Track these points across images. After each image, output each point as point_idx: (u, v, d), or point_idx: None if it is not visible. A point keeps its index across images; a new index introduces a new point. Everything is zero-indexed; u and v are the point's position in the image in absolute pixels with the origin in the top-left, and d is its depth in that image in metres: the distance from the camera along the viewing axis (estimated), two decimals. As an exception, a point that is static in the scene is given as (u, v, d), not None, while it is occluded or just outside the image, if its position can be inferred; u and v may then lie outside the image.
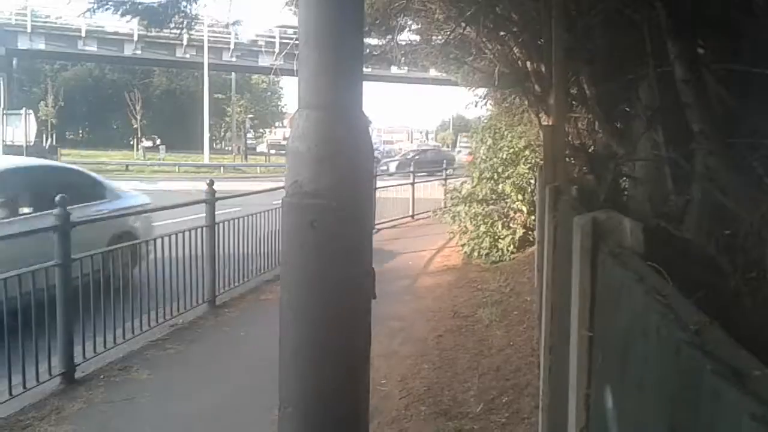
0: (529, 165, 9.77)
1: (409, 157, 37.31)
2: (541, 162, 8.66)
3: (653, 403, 0.86)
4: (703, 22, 2.54)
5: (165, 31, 8.99)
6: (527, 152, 9.90)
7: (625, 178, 5.01)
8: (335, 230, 1.68)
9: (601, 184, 4.13)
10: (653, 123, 2.99)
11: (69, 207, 4.86)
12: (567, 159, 5.30)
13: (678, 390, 0.75)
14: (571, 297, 1.73)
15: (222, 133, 63.02)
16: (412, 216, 14.61)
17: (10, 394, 4.25)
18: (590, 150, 5.80)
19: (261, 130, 67.64)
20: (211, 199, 6.80)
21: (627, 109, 5.65)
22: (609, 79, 4.38)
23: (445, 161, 20.45)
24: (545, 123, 8.71)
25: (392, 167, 31.61)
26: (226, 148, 57.87)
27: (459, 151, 46.37)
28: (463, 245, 9.93)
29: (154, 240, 6.30)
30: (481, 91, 12.04)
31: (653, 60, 2.84)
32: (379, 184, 12.96)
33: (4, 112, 21.76)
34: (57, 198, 4.83)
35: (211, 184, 6.95)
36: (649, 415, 0.87)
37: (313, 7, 1.72)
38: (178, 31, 8.66)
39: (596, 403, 1.29)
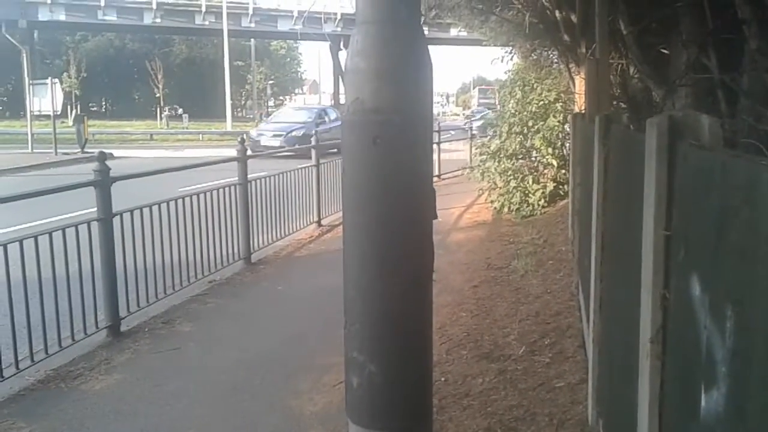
0: (558, 118, 9.61)
1: None
2: (572, 113, 8.52)
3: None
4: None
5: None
6: (557, 105, 9.72)
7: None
8: (397, 146, 1.67)
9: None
10: (705, 48, 2.89)
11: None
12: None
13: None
14: (631, 212, 1.71)
15: (243, 101, 63.00)
16: (438, 176, 14.54)
17: (60, 346, 4.37)
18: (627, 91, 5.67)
19: (281, 97, 67.50)
20: (242, 158, 6.82)
21: (663, 49, 5.51)
22: (650, 13, 4.24)
23: None
24: (575, 73, 8.56)
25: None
26: (248, 115, 57.88)
27: (478, 112, 40.40)
28: (492, 201, 9.86)
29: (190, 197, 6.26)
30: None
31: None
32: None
33: (30, 82, 21.86)
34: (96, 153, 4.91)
35: (242, 141, 6.97)
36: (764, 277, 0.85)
37: None
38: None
39: (677, 299, 1.28)
